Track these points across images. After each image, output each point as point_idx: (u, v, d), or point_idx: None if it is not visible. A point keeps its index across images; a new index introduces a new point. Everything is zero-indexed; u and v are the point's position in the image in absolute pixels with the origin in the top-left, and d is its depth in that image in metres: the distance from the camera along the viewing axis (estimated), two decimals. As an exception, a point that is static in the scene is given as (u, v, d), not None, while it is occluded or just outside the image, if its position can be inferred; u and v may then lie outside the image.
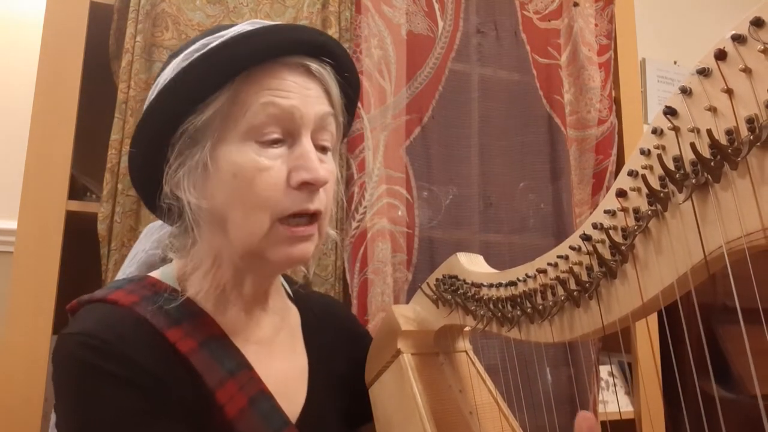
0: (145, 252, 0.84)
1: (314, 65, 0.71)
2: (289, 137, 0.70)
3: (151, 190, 0.74)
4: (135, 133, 0.71)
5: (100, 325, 0.66)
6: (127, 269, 0.86)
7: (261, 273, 0.76)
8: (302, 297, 0.91)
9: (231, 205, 0.69)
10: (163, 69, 0.74)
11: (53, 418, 0.81)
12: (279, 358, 0.79)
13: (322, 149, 0.73)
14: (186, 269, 0.76)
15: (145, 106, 0.73)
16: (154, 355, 0.66)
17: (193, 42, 0.73)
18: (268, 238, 0.69)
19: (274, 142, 0.69)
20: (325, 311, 0.93)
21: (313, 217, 0.71)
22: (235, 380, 0.70)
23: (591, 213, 0.65)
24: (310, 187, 0.69)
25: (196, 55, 0.69)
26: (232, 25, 0.73)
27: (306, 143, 0.70)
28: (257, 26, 0.70)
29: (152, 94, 0.73)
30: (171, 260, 0.79)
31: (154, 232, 0.86)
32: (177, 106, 0.68)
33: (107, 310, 0.69)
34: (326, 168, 0.72)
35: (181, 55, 0.71)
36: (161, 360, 0.66)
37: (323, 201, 0.71)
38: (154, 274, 0.77)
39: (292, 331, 0.85)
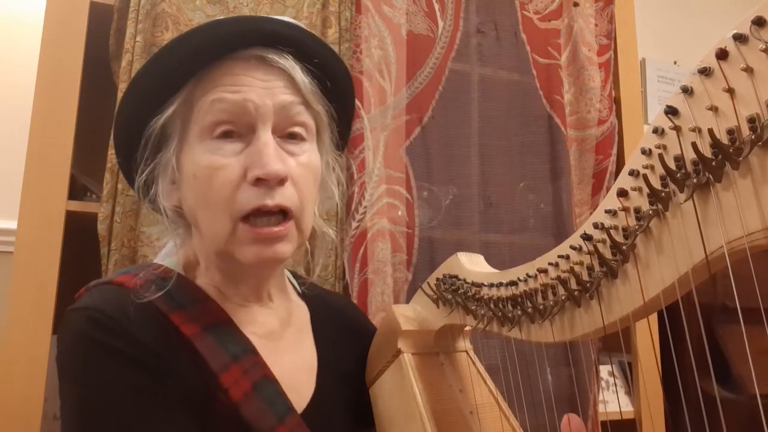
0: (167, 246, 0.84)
1: (270, 56, 0.69)
2: (249, 133, 0.69)
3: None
4: (113, 143, 0.72)
5: (105, 302, 0.66)
6: (157, 259, 0.87)
7: (246, 274, 0.75)
8: (312, 294, 0.90)
9: (196, 206, 0.70)
10: None
11: None
12: (286, 352, 0.78)
13: (292, 138, 0.71)
14: (190, 260, 0.76)
15: None
16: (158, 335, 0.66)
17: None
18: (234, 238, 0.68)
19: (228, 138, 0.68)
20: (335, 309, 0.93)
21: (285, 215, 0.69)
22: (240, 365, 0.69)
23: (591, 213, 0.65)
24: (265, 182, 0.67)
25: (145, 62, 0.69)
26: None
27: (263, 137, 0.68)
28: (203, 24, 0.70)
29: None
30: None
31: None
32: (136, 115, 0.70)
33: (113, 290, 0.69)
34: (299, 162, 0.70)
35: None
36: (164, 341, 0.66)
37: (290, 197, 0.69)
38: (161, 262, 0.77)
39: (301, 326, 0.84)
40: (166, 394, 0.64)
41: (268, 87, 0.69)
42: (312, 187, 0.73)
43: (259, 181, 0.66)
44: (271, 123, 0.69)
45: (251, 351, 0.72)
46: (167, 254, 0.82)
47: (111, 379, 0.62)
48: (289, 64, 0.71)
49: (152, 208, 0.75)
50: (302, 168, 0.71)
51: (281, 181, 0.68)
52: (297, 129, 0.71)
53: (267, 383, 0.71)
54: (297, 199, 0.70)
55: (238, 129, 0.68)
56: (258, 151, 0.67)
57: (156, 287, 0.69)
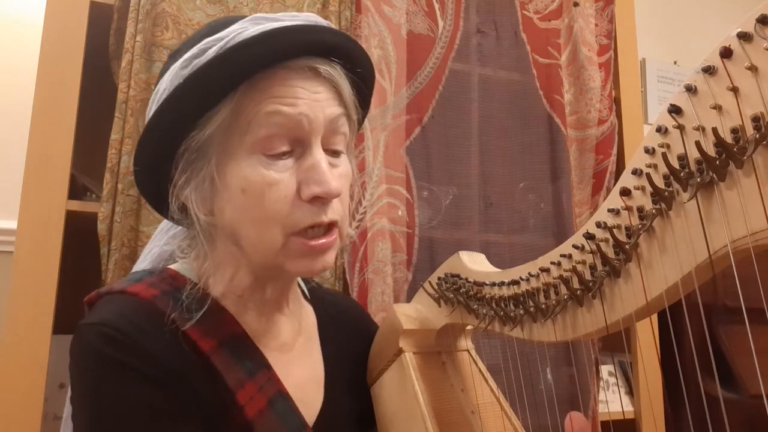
0: (159, 248, 0.82)
1: (323, 67, 0.68)
2: (297, 146, 0.67)
3: (162, 202, 0.72)
4: (136, 151, 0.68)
5: (120, 316, 0.64)
6: (141, 265, 0.84)
7: (281, 279, 0.76)
8: (317, 296, 0.90)
9: (241, 220, 0.67)
10: (162, 73, 0.71)
11: (66, 410, 0.80)
12: (297, 365, 0.78)
13: (334, 153, 0.71)
14: (204, 269, 0.74)
15: (146, 120, 0.70)
16: (174, 351, 0.65)
17: (191, 44, 0.68)
18: (285, 251, 0.67)
19: (283, 154, 0.66)
20: (340, 311, 0.92)
21: (330, 226, 0.69)
22: (255, 381, 0.69)
23: (591, 213, 0.65)
24: (322, 200, 0.66)
25: (195, 62, 0.65)
26: (231, 20, 0.69)
27: (316, 153, 0.67)
28: (258, 27, 0.66)
29: (151, 105, 0.70)
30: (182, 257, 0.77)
31: (170, 228, 0.84)
32: (177, 122, 0.66)
33: (128, 301, 0.67)
34: (340, 173, 0.70)
35: (179, 61, 0.67)
36: (181, 357, 0.65)
37: (338, 210, 0.69)
38: (174, 267, 0.75)
39: (309, 334, 0.84)
40: (180, 413, 0.63)
41: (318, 99, 0.67)
42: (348, 196, 0.73)
43: (315, 199, 0.66)
44: (321, 136, 0.68)
45: (265, 366, 0.71)
46: (160, 255, 0.81)
47: (125, 397, 0.61)
48: (339, 76, 0.70)
49: (173, 218, 0.73)
50: (343, 179, 0.70)
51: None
52: (339, 142, 0.71)
53: (281, 399, 0.70)
54: (341, 210, 0.70)
55: (290, 143, 0.67)
56: (314, 168, 0.66)
57: (173, 300, 0.68)
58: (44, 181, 1.19)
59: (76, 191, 1.28)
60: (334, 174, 0.68)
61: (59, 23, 1.24)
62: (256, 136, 0.65)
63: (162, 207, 0.73)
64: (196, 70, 0.65)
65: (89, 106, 1.26)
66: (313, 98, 0.67)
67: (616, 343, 1.68)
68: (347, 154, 0.74)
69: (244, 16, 0.69)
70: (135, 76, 1.24)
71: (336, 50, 0.70)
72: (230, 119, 0.65)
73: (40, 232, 1.17)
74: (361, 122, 0.79)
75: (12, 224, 1.21)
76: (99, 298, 0.70)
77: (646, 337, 1.59)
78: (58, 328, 1.17)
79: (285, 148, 0.66)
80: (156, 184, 0.71)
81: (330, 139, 0.70)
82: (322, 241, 0.68)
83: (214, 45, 0.66)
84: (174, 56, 0.71)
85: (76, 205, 1.22)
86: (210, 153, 0.66)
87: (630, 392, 1.69)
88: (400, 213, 1.41)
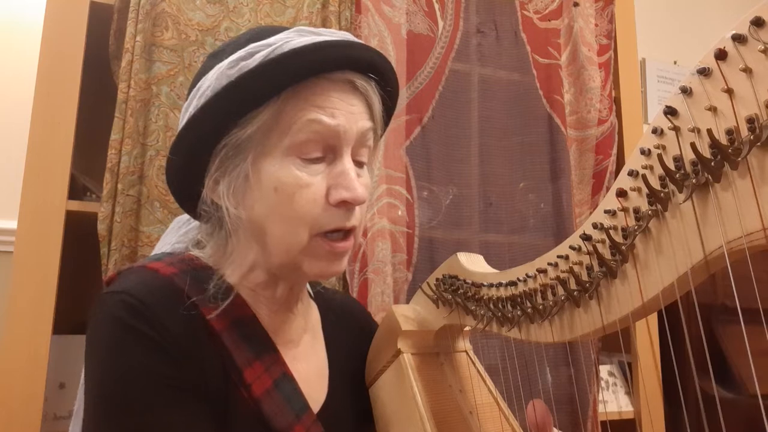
0: (170, 245, 0.84)
1: (360, 82, 0.72)
2: (329, 153, 0.71)
3: (187, 194, 0.75)
4: (176, 141, 0.71)
5: (141, 286, 0.67)
6: None
7: (295, 280, 0.78)
8: (322, 296, 0.92)
9: (270, 218, 0.70)
10: (204, 71, 0.73)
11: (77, 404, 0.80)
12: (302, 360, 0.80)
13: (359, 164, 0.74)
14: (223, 258, 0.76)
15: (186, 113, 0.73)
16: (189, 327, 0.67)
17: (234, 47, 0.71)
18: (307, 251, 0.70)
19: (316, 159, 0.70)
20: (344, 310, 0.94)
21: (348, 231, 0.72)
22: (262, 361, 0.72)
23: (591, 213, 0.65)
24: (348, 205, 0.70)
25: (242, 64, 0.68)
26: (274, 29, 0.73)
27: (346, 161, 0.71)
28: (304, 39, 0.69)
29: (191, 101, 0.72)
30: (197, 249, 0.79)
31: (181, 226, 0.87)
32: (222, 119, 0.69)
33: (149, 275, 0.70)
34: (363, 183, 0.73)
35: (226, 62, 0.70)
36: (194, 333, 0.67)
37: (358, 217, 0.73)
38: (192, 253, 0.78)
39: (314, 331, 0.86)
40: (188, 387, 0.65)
41: (353, 112, 0.71)
42: (365, 206, 0.77)
43: (342, 203, 0.70)
44: (351, 147, 0.72)
45: (272, 348, 0.74)
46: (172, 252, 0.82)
47: (136, 365, 0.63)
48: (373, 92, 0.74)
49: (202, 212, 0.75)
50: (366, 189, 0.74)
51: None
52: (364, 154, 0.75)
53: (286, 381, 0.73)
54: (360, 218, 0.74)
55: (324, 150, 0.70)
56: (343, 175, 0.70)
57: (190, 279, 0.70)
58: (44, 181, 1.19)
59: (76, 191, 1.29)
60: (360, 183, 0.72)
61: (59, 23, 1.24)
62: (295, 139, 0.69)
63: (184, 200, 0.76)
64: (246, 72, 0.67)
65: (89, 106, 1.26)
66: (349, 110, 0.71)
67: (615, 344, 1.68)
68: (368, 167, 0.78)
69: (287, 27, 0.73)
70: (135, 76, 1.24)
71: (373, 67, 0.74)
72: (271, 121, 0.68)
73: (40, 232, 1.17)
74: (380, 137, 0.82)
75: (12, 224, 1.21)
76: (120, 275, 0.72)
77: (645, 337, 1.60)
78: (58, 328, 1.17)
79: (318, 154, 0.70)
80: (188, 174, 0.73)
81: (357, 150, 0.73)
82: (343, 244, 0.72)
83: (262, 50, 0.68)
84: (215, 57, 0.73)
85: (76, 205, 1.23)
86: (247, 151, 0.69)
87: (629, 392, 1.69)
88: (400, 213, 1.41)
